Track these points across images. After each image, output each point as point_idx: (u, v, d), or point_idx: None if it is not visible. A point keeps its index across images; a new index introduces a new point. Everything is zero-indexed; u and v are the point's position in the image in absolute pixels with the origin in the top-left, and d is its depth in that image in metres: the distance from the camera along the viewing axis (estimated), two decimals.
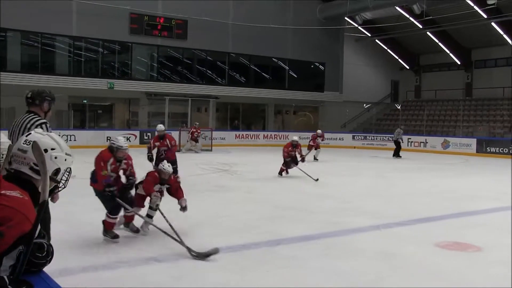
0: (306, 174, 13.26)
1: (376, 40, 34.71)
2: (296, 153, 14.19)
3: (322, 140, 20.59)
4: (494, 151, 24.53)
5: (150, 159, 11.16)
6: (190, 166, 15.17)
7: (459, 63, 33.23)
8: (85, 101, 26.42)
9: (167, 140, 11.06)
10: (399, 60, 36.28)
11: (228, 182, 12.76)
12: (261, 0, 28.44)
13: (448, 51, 32.76)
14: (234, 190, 11.14)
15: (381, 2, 27.83)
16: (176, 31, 26.67)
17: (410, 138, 28.17)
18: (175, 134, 24.10)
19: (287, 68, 31.05)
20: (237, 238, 6.73)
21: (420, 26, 30.55)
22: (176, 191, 6.93)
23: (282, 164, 14.19)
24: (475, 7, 26.62)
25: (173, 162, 9.93)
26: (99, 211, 6.54)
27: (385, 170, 17.36)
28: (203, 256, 5.62)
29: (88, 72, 25.51)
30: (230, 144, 26.82)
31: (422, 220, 8.42)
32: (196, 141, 23.06)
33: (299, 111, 34.25)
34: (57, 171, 2.19)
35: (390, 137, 29.11)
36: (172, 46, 27.17)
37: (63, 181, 2.24)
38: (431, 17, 28.86)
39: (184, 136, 23.77)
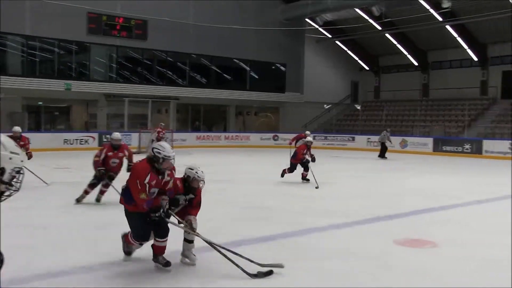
0: (314, 177, 12.54)
1: (337, 42, 35.10)
2: (307, 155, 13.24)
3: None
4: (449, 150, 25.18)
5: (102, 174, 9.18)
6: None
7: (416, 64, 33.91)
8: (40, 103, 25.70)
9: (125, 151, 9.50)
10: (359, 61, 36.79)
11: None
12: (222, 1, 28.37)
13: (406, 53, 33.38)
14: None
15: (341, 4, 28.18)
16: (135, 31, 26.32)
17: (369, 138, 28.63)
18: (134, 137, 23.94)
19: (248, 69, 31.08)
20: (199, 241, 6.66)
21: (379, 28, 31.08)
22: (196, 206, 5.85)
23: (288, 168, 13.32)
24: (431, 10, 27.24)
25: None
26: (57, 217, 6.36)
27: (347, 170, 17.56)
28: (263, 275, 5.16)
29: (43, 73, 24.87)
30: (191, 145, 26.65)
31: (382, 218, 8.53)
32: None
33: (261, 112, 34.34)
34: (2, 171, 2.09)
35: (351, 137, 29.62)
36: (132, 46, 26.80)
37: (15, 183, 2.14)
38: (389, 19, 29.45)
39: (144, 138, 23.48)
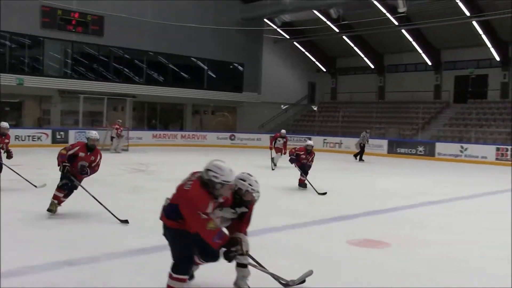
0: (312, 186, 11.59)
1: (295, 43, 35.33)
2: (308, 161, 12.18)
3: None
4: (403, 152, 25.69)
5: (67, 172, 7.81)
6: (105, 167, 14.67)
7: (372, 67, 34.46)
8: None
9: (98, 156, 8.13)
10: (316, 62, 37.13)
11: (144, 182, 12.47)
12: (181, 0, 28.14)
13: (362, 55, 33.89)
14: (150, 191, 10.89)
15: (300, 5, 28.38)
16: (92, 27, 25.77)
17: (326, 139, 28.96)
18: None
19: (206, 68, 30.91)
20: (151, 240, 6.56)
21: (337, 30, 31.46)
22: (247, 221, 4.91)
23: (301, 175, 12.18)
24: (388, 14, 27.72)
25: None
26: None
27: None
28: (297, 282, 4.89)
29: None
30: (147, 144, 26.31)
31: (336, 218, 8.61)
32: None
33: (218, 112, 34.25)
34: None
35: (308, 137, 29.74)
36: (88, 42, 26.23)
37: None
38: (347, 22, 29.80)
39: (100, 136, 22.99)
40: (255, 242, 6.73)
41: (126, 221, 7.55)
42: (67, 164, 7.76)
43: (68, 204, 8.00)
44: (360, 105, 33.79)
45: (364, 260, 6.00)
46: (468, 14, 25.99)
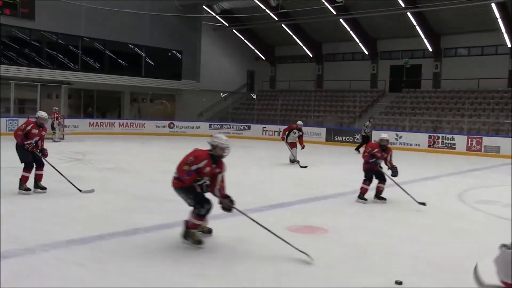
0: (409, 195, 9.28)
1: (234, 30, 35.19)
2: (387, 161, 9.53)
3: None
4: (341, 140, 26.19)
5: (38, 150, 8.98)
6: None
7: (311, 55, 34.84)
8: None
9: (44, 132, 9.15)
10: (255, 50, 37.16)
11: (81, 172, 12.12)
12: None
13: (301, 44, 34.18)
14: (88, 180, 10.59)
15: None
16: (21, 9, 24.62)
17: (265, 127, 29.14)
18: (22, 122, 22.52)
19: (144, 55, 30.30)
20: (92, 230, 6.40)
21: (276, 19, 31.54)
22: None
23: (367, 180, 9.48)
24: (326, 4, 28.04)
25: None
26: None
27: (240, 159, 17.68)
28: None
29: None
30: (83, 132, 25.59)
31: (275, 206, 8.67)
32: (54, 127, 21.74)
33: (156, 100, 33.74)
34: None
35: (247, 126, 29.90)
36: (18, 26, 25.07)
37: None
38: (286, 10, 29.92)
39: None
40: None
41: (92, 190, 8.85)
42: (30, 142, 8.68)
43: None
44: (299, 94, 34.14)
45: (305, 246, 6.06)
46: (403, 5, 26.69)
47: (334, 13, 28.96)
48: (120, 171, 12.64)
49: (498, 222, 8.01)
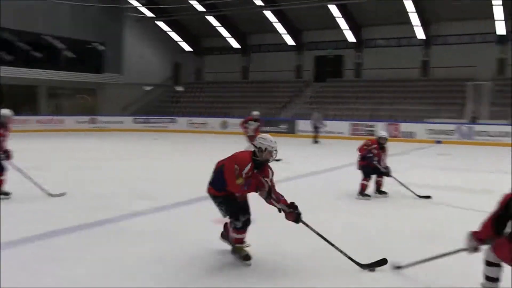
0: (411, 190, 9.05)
1: (158, 22, 34.22)
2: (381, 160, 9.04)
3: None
4: (267, 130, 26.04)
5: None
6: None
7: (237, 47, 34.60)
8: None
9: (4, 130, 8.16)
10: (181, 42, 36.44)
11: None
12: None
13: (227, 35, 33.85)
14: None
15: None
16: None
17: (190, 120, 28.68)
18: None
19: (63, 47, 28.90)
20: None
21: (201, 10, 31.00)
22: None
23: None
24: None
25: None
26: None
27: (163, 151, 17.27)
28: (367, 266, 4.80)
29: None
30: None
31: (200, 198, 8.32)
32: None
33: (76, 94, 32.36)
34: None
35: (172, 119, 29.31)
36: None
37: None
38: (211, 1, 29.48)
39: None
40: (116, 228, 6.29)
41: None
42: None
43: None
44: (225, 85, 33.87)
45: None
46: None
47: (261, 4, 28.85)
48: (32, 170, 11.84)
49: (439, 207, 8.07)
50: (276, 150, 4.90)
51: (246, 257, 4.97)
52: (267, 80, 32.83)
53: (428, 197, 8.65)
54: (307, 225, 4.91)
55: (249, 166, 4.80)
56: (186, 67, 37.11)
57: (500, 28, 26.59)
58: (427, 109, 25.16)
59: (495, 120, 23.15)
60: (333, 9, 27.96)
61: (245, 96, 31.70)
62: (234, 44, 34.38)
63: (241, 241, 5.06)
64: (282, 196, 4.92)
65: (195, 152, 17.26)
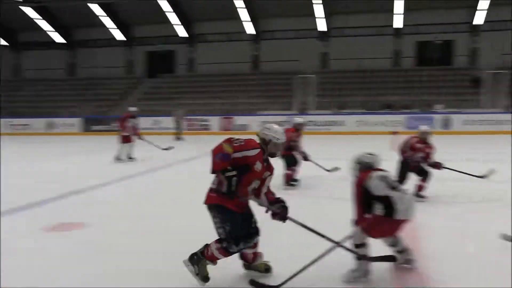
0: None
1: None
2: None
3: None
4: (99, 129, 25.07)
5: None
6: None
7: (62, 41, 32.51)
8: None
9: None
10: None
11: None
12: None
13: (49, 29, 31.55)
14: None
15: None
16: None
17: (12, 122, 26.43)
18: None
19: None
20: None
21: (19, 0, 28.52)
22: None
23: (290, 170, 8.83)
24: None
25: None
26: None
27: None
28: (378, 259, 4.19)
29: None
30: None
31: (32, 205, 7.43)
32: None
33: None
34: None
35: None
36: None
37: None
38: None
39: None
40: None
41: None
42: None
43: None
44: (49, 83, 31.61)
45: (64, 243, 5.33)
46: None
47: None
48: None
49: None
50: (282, 142, 4.18)
51: (205, 278, 4.06)
52: (96, 76, 31.36)
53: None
54: (296, 221, 4.16)
55: (258, 151, 4.02)
56: (3, 63, 33.66)
57: (321, 25, 28.41)
58: (259, 102, 25.88)
59: (321, 110, 24.56)
60: (162, 4, 27.42)
61: (73, 94, 29.85)
62: (58, 38, 32.19)
63: (216, 260, 4.09)
64: (273, 193, 4.23)
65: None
